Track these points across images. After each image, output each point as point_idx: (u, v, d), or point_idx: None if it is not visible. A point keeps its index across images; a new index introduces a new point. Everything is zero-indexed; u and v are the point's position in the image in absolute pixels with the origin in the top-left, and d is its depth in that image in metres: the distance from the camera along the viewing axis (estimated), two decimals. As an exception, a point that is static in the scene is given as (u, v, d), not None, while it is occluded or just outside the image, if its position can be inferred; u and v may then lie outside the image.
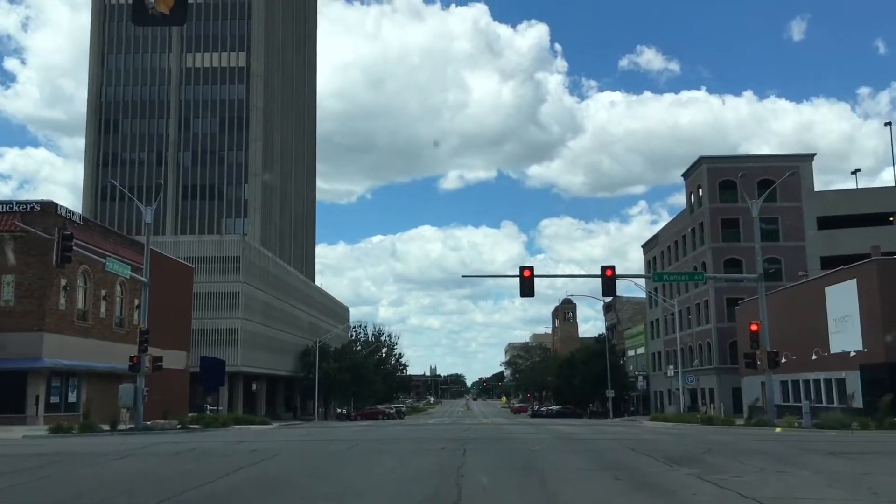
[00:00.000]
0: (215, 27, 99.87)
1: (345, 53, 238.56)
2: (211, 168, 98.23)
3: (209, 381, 66.41)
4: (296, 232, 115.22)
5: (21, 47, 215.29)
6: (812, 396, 47.67)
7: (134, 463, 17.29)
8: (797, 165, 67.23)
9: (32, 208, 42.99)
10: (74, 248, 35.36)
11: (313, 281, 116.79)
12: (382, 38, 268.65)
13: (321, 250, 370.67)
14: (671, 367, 72.56)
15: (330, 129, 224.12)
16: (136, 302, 48.13)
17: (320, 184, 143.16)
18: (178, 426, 39.86)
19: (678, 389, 66.15)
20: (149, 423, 38.75)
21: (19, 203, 43.76)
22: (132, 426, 37.75)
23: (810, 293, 50.35)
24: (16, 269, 42.47)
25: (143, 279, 40.62)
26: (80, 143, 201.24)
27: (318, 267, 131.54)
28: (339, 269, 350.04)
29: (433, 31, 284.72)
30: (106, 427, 35.58)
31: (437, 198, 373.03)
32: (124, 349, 43.97)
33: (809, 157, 72.98)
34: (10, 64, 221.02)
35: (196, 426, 41.33)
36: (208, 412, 56.57)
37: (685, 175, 78.42)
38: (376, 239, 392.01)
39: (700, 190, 73.74)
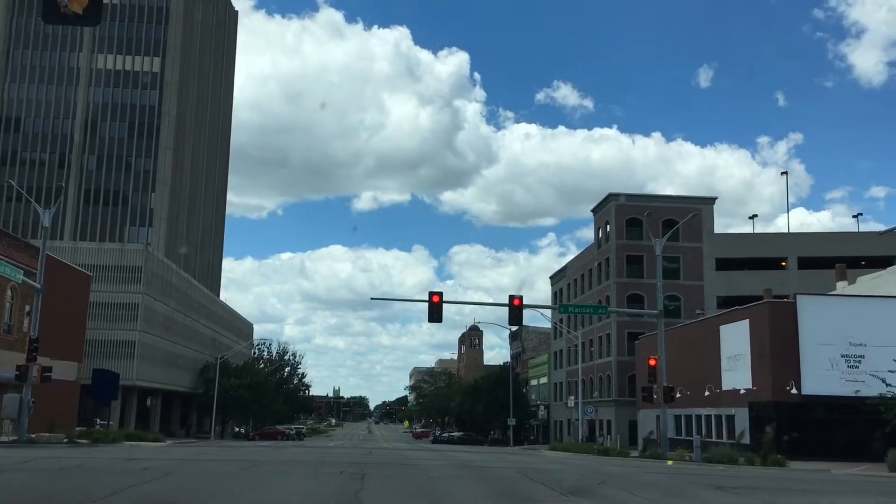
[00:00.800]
0: (130, 30, 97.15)
1: (263, 66, 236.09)
2: (116, 174, 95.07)
3: (101, 395, 63.59)
4: (202, 244, 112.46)
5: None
6: (703, 431, 49.34)
7: (15, 478, 16.42)
8: (699, 208, 70.05)
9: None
10: (-37, 248, 33.56)
11: (218, 295, 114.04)
12: (302, 53, 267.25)
13: (227, 264, 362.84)
14: (572, 397, 73.90)
15: (243, 140, 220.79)
16: (28, 308, 45.94)
17: (230, 196, 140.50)
18: (65, 440, 38.11)
19: (577, 420, 67.37)
20: (33, 435, 36.91)
21: None
22: (15, 438, 35.91)
23: (706, 331, 52.29)
24: None
25: (36, 285, 38.87)
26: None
27: (223, 281, 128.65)
28: (245, 284, 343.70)
29: (354, 51, 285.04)
30: (-15, 439, 33.72)
31: (349, 218, 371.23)
32: (11, 357, 41.85)
33: (711, 201, 76.14)
34: None
35: (84, 441, 39.58)
36: (98, 427, 54.22)
37: (594, 210, 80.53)
38: (285, 256, 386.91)
39: (608, 226, 75.81)
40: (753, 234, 79.14)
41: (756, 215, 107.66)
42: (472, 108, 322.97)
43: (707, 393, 50.55)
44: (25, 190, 64.88)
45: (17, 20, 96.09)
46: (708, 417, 50.90)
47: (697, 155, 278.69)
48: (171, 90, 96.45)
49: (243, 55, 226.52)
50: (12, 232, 61.34)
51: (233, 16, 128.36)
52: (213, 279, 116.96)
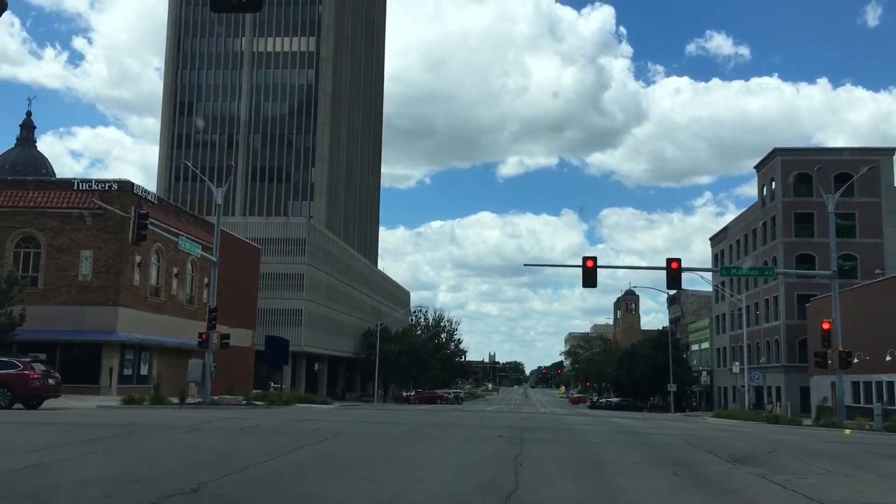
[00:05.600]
0: (286, 12, 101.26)
1: (405, 35, 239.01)
2: (280, 151, 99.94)
3: (273, 360, 67.73)
4: (360, 215, 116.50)
5: (88, 27, 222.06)
6: (885, 398, 46.21)
7: (201, 437, 17.82)
8: (877, 159, 65.02)
9: (110, 187, 44.56)
10: (149, 226, 36.48)
11: (375, 265, 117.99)
12: (442, 19, 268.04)
13: (382, 234, 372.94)
14: (737, 363, 71.15)
15: (390, 112, 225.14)
16: (206, 280, 49.40)
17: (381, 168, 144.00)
18: (243, 402, 40.79)
19: (743, 386, 64.85)
20: (215, 397, 39.75)
21: (98, 182, 45.42)
22: (199, 400, 38.79)
23: (887, 292, 48.74)
24: (93, 245, 44.08)
25: (213, 258, 41.62)
26: (147, 122, 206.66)
27: (379, 251, 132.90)
28: (399, 253, 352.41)
29: (494, 14, 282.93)
30: (175, 400, 36.66)
31: (496, 184, 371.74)
32: (194, 325, 45.24)
33: (890, 151, 70.41)
34: (78, 43, 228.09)
35: (260, 403, 42.23)
36: (272, 390, 57.76)
37: (758, 167, 76.54)
38: (436, 224, 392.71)
39: (773, 183, 71.88)
40: (940, 186, 72.49)
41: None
42: (618, 65, 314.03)
43: (889, 358, 47.23)
44: (199, 170, 69.18)
45: (185, 10, 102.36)
46: (890, 384, 47.62)
47: (870, 101, 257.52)
48: (326, 68, 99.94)
49: (388, 27, 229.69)
50: (189, 210, 65.95)
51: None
52: (370, 249, 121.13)
